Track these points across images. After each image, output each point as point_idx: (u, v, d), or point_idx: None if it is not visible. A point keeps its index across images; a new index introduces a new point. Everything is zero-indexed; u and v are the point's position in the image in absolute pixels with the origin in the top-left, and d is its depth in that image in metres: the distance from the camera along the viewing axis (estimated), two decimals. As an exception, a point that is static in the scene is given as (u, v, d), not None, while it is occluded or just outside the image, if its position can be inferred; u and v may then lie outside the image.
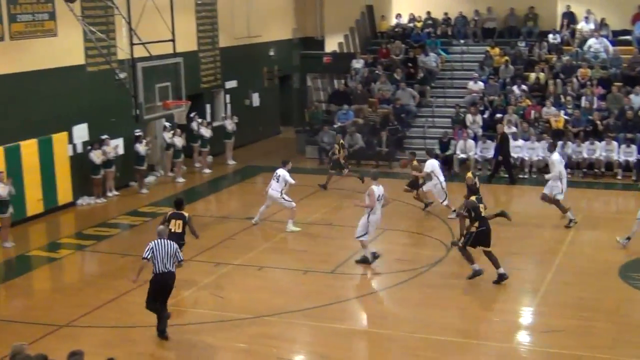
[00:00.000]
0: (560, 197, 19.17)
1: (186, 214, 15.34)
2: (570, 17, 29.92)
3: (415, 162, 20.58)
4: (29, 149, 20.01)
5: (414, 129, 27.42)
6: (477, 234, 15.22)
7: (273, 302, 14.63)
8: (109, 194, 22.44)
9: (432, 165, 19.89)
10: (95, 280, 16.32)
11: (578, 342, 12.80)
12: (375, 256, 16.44)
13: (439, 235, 18.33)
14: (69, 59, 21.36)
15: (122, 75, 20.09)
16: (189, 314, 14.19)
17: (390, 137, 26.22)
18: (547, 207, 21.74)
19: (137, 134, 22.91)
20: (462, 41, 31.00)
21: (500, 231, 18.79)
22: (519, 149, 24.26)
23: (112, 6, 20.70)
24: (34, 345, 12.29)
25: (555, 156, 19.49)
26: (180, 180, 24.45)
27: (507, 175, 23.81)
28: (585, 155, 23.87)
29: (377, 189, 16.28)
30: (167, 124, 24.39)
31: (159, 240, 13.18)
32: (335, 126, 27.25)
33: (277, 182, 19.06)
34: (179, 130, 24.34)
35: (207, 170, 25.76)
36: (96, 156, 21.62)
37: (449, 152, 24.90)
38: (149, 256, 13.07)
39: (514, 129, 24.82)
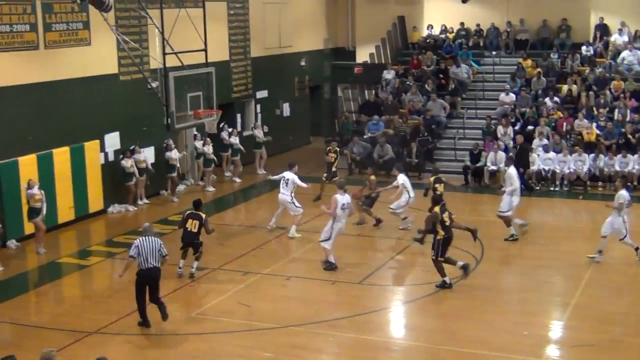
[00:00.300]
0: (508, 213, 18.74)
1: (203, 215, 16.18)
2: (603, 29, 29.69)
3: (373, 177, 20.41)
4: (61, 156, 20.22)
5: (444, 140, 27.34)
6: (444, 241, 15.47)
7: (300, 312, 14.63)
8: (140, 202, 22.60)
9: (404, 179, 19.58)
10: (124, 287, 16.33)
11: (608, 356, 12.67)
12: (333, 266, 16.81)
13: (468, 247, 18.19)
14: (102, 67, 21.58)
15: (154, 85, 20.25)
16: (216, 322, 14.22)
17: (421, 148, 26.15)
18: (577, 219, 21.61)
19: (167, 142, 23.09)
20: (494, 52, 30.88)
21: (529, 244, 18.74)
22: (550, 161, 24.08)
23: (145, 16, 20.88)
24: (63, 351, 12.42)
25: (513, 170, 19.02)
26: (210, 189, 24.57)
27: (536, 188, 23.69)
28: (617, 168, 23.63)
29: (341, 198, 16.64)
30: (198, 133, 24.55)
31: (144, 238, 13.80)
32: (365, 137, 27.26)
33: (287, 185, 19.15)
34: (208, 139, 24.48)
35: (237, 180, 25.86)
36: (128, 164, 21.79)
37: (479, 164, 24.77)
38: (135, 254, 13.66)
39: (545, 141, 24.65)
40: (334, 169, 22.96)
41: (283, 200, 19.26)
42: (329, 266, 16.84)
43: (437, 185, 19.32)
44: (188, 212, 16.53)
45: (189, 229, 16.12)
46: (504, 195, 18.84)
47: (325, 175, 22.90)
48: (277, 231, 19.63)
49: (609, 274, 16.62)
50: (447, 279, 15.58)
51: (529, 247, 18.52)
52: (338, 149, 23.62)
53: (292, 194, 19.21)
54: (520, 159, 23.44)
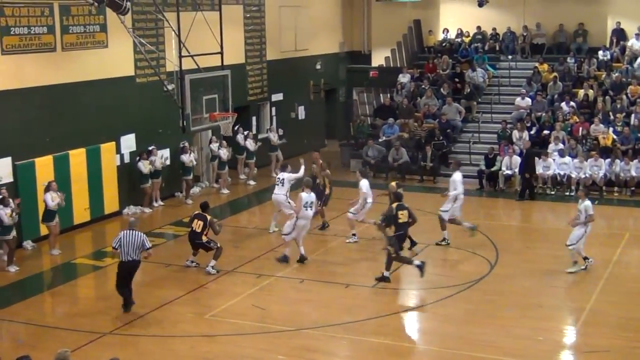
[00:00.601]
0: (445, 215, 18.78)
1: (208, 217, 16.80)
2: (620, 34, 29.56)
3: (328, 172, 20.52)
4: (77, 158, 20.32)
5: (459, 144, 27.29)
6: (397, 238, 16.08)
7: (314, 315, 14.65)
8: (155, 204, 22.68)
9: (367, 186, 19.18)
10: (138, 289, 16.39)
11: (622, 363, 12.63)
12: (285, 259, 17.31)
13: (484, 253, 18.17)
14: (118, 70, 21.69)
15: (170, 87, 20.33)
16: (230, 325, 14.25)
17: (436, 152, 26.12)
18: (593, 225, 21.50)
19: (182, 144, 23.17)
20: (510, 57, 30.80)
21: (544, 248, 18.68)
22: (566, 166, 23.98)
23: (162, 19, 20.97)
24: (77, 352, 12.48)
25: (457, 176, 18.99)
26: (225, 191, 24.63)
27: (551, 193, 23.66)
28: (633, 173, 23.51)
29: (306, 196, 17.25)
30: (214, 136, 24.62)
31: (127, 231, 14.70)
32: (380, 140, 27.26)
33: (282, 185, 19.17)
34: (224, 142, 24.53)
35: (251, 182, 25.91)
36: (144, 166, 21.87)
37: (494, 168, 24.71)
38: (117, 246, 14.60)
39: (561, 146, 24.57)
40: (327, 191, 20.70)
41: (278, 200, 19.28)
42: (283, 259, 17.37)
43: (400, 212, 17.61)
44: (195, 212, 17.23)
45: (194, 229, 16.82)
46: (448, 199, 18.96)
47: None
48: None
49: (624, 280, 16.56)
50: (416, 261, 16.21)
51: (544, 252, 18.45)
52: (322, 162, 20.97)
53: (287, 194, 19.29)
54: (527, 164, 23.43)
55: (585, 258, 16.84)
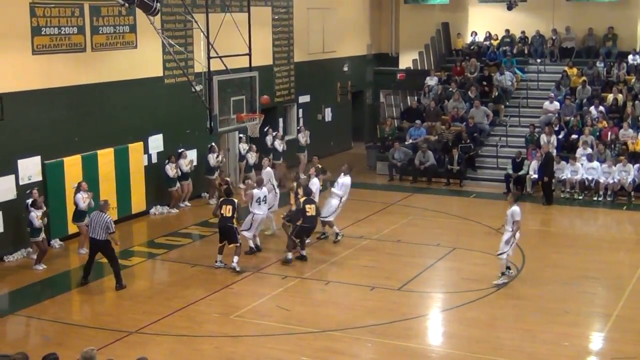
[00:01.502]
0: (331, 218, 19.18)
1: (236, 200, 17.40)
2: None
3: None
4: (105, 157, 20.47)
5: (486, 148, 27.16)
6: (301, 228, 17.50)
7: (339, 317, 14.65)
8: (181, 205, 22.78)
9: (317, 186, 19.31)
10: (165, 288, 16.56)
11: (650, 370, 12.52)
12: (252, 251, 18.27)
13: (510, 257, 18.06)
14: (147, 70, 21.83)
15: (198, 88, 20.41)
16: (254, 325, 14.30)
17: (462, 155, 26.02)
18: (621, 230, 21.35)
19: (210, 145, 23.28)
20: (539, 60, 30.63)
21: (571, 254, 18.56)
22: (594, 170, 23.80)
23: (191, 20, 21.06)
24: (103, 350, 12.56)
25: (347, 180, 19.40)
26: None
27: (579, 198, 23.51)
28: (663, 178, 23.31)
29: (258, 192, 18.13)
30: (242, 136, 24.70)
31: (96, 212, 16.22)
32: (407, 143, 27.21)
33: (265, 203, 18.59)
34: (254, 147, 24.59)
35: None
36: (170, 169, 21.98)
37: (521, 172, 24.57)
38: (87, 223, 16.32)
39: (589, 151, 24.39)
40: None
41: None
42: (250, 251, 18.21)
43: (307, 206, 17.95)
44: (222, 199, 17.62)
45: (223, 214, 17.13)
46: (332, 200, 19.27)
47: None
48: (316, 234, 19.63)
49: (653, 286, 16.41)
50: (289, 255, 17.60)
51: (571, 257, 18.34)
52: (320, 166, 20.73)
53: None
54: (546, 168, 23.30)
55: (508, 268, 16.17)
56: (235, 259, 17.05)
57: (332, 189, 19.51)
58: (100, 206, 16.50)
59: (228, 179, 21.44)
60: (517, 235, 16.09)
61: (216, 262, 17.41)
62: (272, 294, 15.81)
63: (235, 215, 17.18)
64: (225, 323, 14.43)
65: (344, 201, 19.49)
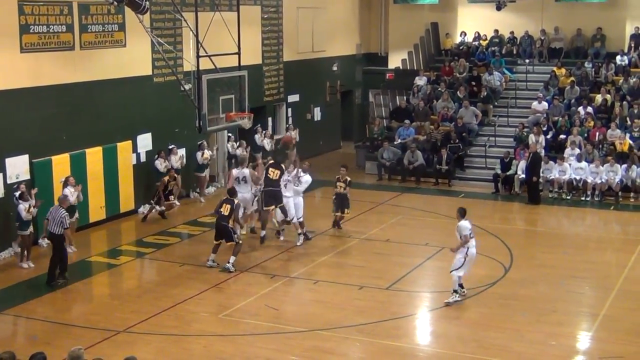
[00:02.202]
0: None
1: (236, 201, 17.43)
2: (638, 39, 29.41)
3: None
4: (94, 156, 20.42)
5: (475, 148, 27.23)
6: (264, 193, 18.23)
7: (327, 317, 14.66)
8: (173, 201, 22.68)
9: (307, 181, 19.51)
10: (153, 287, 16.54)
11: (637, 369, 12.58)
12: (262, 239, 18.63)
13: (498, 256, 18.14)
14: (136, 69, 21.78)
15: (187, 87, 20.39)
16: (243, 325, 14.29)
17: (451, 155, 26.08)
18: (608, 230, 21.45)
19: (201, 142, 23.28)
20: (527, 61, 30.73)
21: (559, 253, 18.63)
22: (582, 170, 23.90)
23: (180, 19, 21.03)
24: (91, 349, 12.53)
25: (308, 177, 19.28)
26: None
27: (567, 198, 23.58)
28: (650, 179, 23.42)
29: (237, 172, 18.69)
30: (231, 135, 24.69)
31: (55, 206, 16.47)
32: (396, 142, 27.25)
33: (246, 183, 18.94)
34: (244, 142, 24.60)
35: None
36: (160, 164, 21.95)
37: (510, 172, 24.64)
38: (47, 217, 16.38)
39: (577, 151, 24.48)
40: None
41: (245, 199, 18.94)
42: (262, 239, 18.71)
43: (271, 169, 18.64)
44: (224, 198, 17.67)
45: (222, 213, 17.19)
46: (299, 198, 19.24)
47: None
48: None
49: (639, 286, 16.47)
50: (262, 232, 18.69)
51: (559, 257, 18.41)
52: (349, 178, 20.28)
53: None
54: (533, 168, 23.38)
55: (461, 285, 15.20)
56: (232, 259, 17.02)
57: (297, 187, 19.14)
58: (59, 200, 16.66)
59: (176, 175, 21.81)
60: (472, 252, 15.11)
61: (208, 260, 17.37)
62: (260, 293, 15.80)
63: (232, 215, 17.15)
64: (214, 322, 14.42)
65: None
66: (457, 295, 15.19)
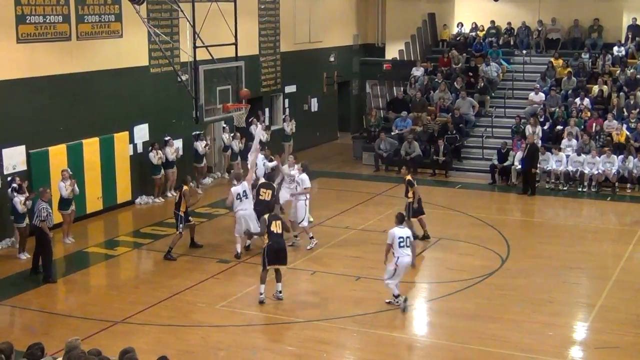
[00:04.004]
0: (305, 223, 18.07)
1: (275, 185, 17.71)
2: (635, 30, 29.41)
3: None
4: (91, 147, 20.40)
5: (472, 139, 27.24)
6: (268, 251, 14.74)
7: (324, 307, 14.68)
8: (168, 194, 22.72)
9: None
10: (150, 278, 16.55)
11: (633, 359, 12.60)
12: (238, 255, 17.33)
13: (495, 247, 18.17)
14: (133, 60, 21.74)
15: (184, 77, 20.35)
16: (240, 315, 14.31)
17: (448, 145, 26.08)
18: (605, 221, 21.47)
19: (198, 133, 23.26)
20: (524, 51, 30.72)
21: (556, 244, 18.65)
22: (579, 162, 23.90)
23: (177, 9, 20.99)
24: (89, 340, 12.55)
25: (305, 176, 18.23)
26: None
27: (563, 188, 23.61)
28: (647, 170, 23.45)
29: (237, 189, 17.15)
30: (226, 126, 24.69)
31: (38, 200, 16.38)
32: (393, 133, 27.24)
33: (247, 198, 17.82)
34: (238, 134, 24.57)
35: (263, 172, 25.91)
36: (154, 156, 21.93)
37: (507, 163, 24.65)
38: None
39: (574, 142, 24.50)
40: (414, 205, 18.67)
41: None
42: (237, 255, 17.30)
43: (262, 190, 17.83)
44: (261, 182, 17.75)
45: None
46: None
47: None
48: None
49: (635, 277, 16.53)
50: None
51: (556, 248, 18.44)
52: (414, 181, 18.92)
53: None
54: (530, 159, 23.39)
55: (397, 296, 14.48)
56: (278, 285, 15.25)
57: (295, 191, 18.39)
58: (39, 193, 16.64)
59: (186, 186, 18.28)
60: (402, 261, 14.33)
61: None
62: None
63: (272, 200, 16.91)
64: (211, 313, 14.43)
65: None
66: (398, 304, 14.43)
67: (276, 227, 14.76)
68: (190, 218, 17.80)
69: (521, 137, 25.13)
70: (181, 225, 17.38)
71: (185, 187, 17.54)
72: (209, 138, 24.32)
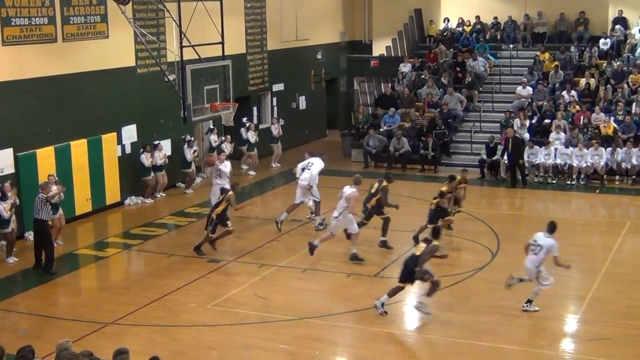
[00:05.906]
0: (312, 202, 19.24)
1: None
2: (621, 23, 29.50)
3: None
4: (79, 149, 20.32)
5: (460, 134, 27.28)
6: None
7: (316, 304, 14.68)
8: (157, 195, 22.67)
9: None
10: (141, 279, 16.50)
11: (624, 350, 12.64)
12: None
13: (485, 241, 18.21)
14: (119, 60, 21.67)
15: (171, 77, 20.33)
16: (232, 314, 14.29)
17: (437, 141, 26.11)
18: (594, 213, 21.53)
19: (187, 138, 23.20)
20: (511, 46, 30.75)
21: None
22: (567, 155, 23.98)
23: (163, 9, 20.94)
24: (80, 342, 12.51)
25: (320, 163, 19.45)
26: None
27: (552, 182, 23.66)
28: (634, 162, 23.50)
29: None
30: (213, 127, 24.62)
31: (39, 195, 16.57)
32: (381, 130, 27.26)
33: (220, 177, 19.63)
34: (229, 137, 24.54)
35: (252, 173, 25.91)
36: (146, 158, 21.88)
37: (495, 157, 24.70)
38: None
39: (562, 135, 24.56)
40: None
41: (216, 193, 19.08)
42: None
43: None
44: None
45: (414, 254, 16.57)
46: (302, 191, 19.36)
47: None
48: (293, 224, 19.65)
49: (625, 268, 16.59)
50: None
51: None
52: (468, 178, 19.68)
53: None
54: (517, 152, 23.47)
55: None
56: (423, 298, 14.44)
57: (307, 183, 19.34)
58: (40, 187, 16.88)
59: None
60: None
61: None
62: (249, 283, 15.80)
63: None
64: (202, 312, 14.40)
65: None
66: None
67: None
68: (228, 222, 17.55)
69: (507, 131, 25.18)
70: (210, 228, 17.29)
71: (230, 193, 17.42)
72: (196, 143, 24.24)
